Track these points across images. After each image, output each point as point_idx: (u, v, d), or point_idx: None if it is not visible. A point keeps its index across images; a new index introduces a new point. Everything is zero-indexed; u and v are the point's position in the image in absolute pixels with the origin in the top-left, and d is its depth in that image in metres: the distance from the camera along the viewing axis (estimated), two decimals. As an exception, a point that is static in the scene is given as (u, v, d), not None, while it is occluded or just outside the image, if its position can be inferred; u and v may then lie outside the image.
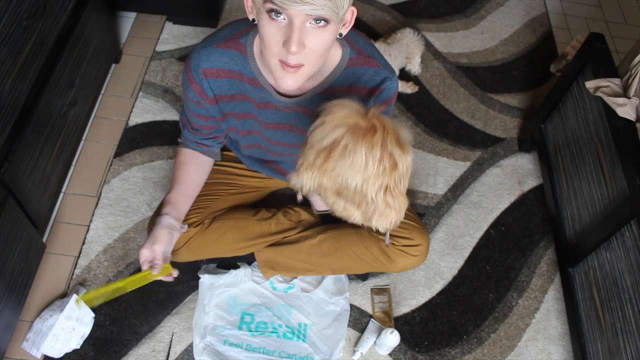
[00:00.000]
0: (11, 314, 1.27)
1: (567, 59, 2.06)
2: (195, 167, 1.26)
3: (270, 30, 0.88)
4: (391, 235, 1.32)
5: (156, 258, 1.13)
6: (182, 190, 1.23)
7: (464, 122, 1.93)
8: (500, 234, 1.68)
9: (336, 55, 1.05)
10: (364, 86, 1.08)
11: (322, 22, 0.86)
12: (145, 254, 1.13)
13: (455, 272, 1.58)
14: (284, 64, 0.91)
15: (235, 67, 1.06)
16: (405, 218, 1.34)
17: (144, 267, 1.13)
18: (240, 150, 1.33)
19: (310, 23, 0.86)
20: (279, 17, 0.86)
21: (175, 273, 1.17)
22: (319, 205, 1.39)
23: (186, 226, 1.24)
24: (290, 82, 0.93)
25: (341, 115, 0.86)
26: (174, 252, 1.31)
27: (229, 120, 1.16)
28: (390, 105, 1.13)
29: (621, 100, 1.34)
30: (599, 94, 1.39)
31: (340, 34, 0.97)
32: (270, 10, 0.85)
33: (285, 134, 1.16)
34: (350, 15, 0.95)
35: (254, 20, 0.93)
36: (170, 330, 1.39)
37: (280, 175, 1.39)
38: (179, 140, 1.28)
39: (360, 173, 0.84)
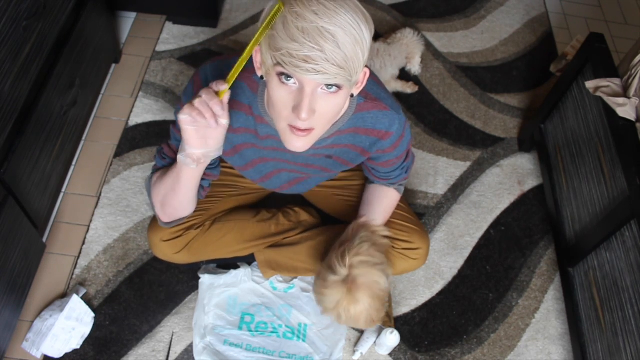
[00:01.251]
0: (11, 314, 1.27)
1: (567, 59, 2.06)
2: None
3: (280, 94, 0.85)
4: (391, 239, 1.31)
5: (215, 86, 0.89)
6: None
7: (464, 122, 1.93)
8: (500, 234, 1.68)
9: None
10: (371, 128, 1.07)
11: (334, 88, 0.84)
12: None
13: (455, 272, 1.58)
14: (293, 128, 0.88)
15: (246, 101, 1.02)
16: (405, 221, 1.35)
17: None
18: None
19: (321, 89, 0.84)
20: (289, 80, 0.83)
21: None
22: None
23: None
24: (300, 144, 0.91)
25: (331, 300, 1.13)
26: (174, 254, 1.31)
27: (233, 154, 1.13)
28: (404, 137, 1.13)
29: (621, 100, 1.34)
30: (599, 94, 1.39)
31: (352, 95, 0.95)
32: (280, 74, 0.83)
33: (282, 154, 1.14)
34: (362, 76, 0.92)
35: (262, 77, 0.90)
36: (170, 330, 1.39)
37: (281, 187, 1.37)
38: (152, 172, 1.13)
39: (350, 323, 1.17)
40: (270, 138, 1.08)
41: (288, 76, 0.82)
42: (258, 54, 0.89)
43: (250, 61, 0.99)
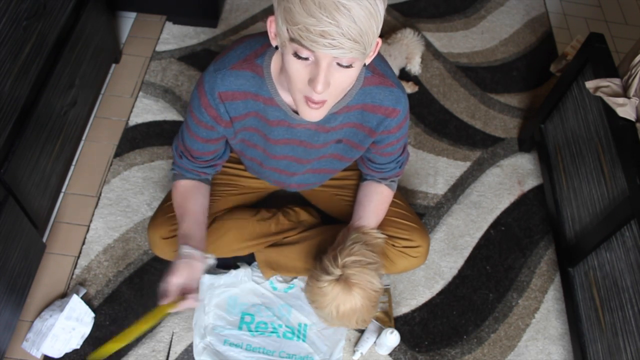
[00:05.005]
0: (11, 314, 1.27)
1: (567, 59, 2.06)
2: (199, 196, 1.22)
3: (296, 67, 0.87)
4: (391, 237, 1.32)
5: (169, 292, 1.08)
6: (193, 219, 1.19)
7: (464, 122, 1.93)
8: (500, 234, 1.68)
9: None
10: (378, 105, 1.08)
11: None
12: (163, 287, 1.09)
13: (455, 272, 1.58)
14: (308, 100, 0.91)
15: (251, 89, 1.04)
16: (405, 219, 1.35)
17: (160, 301, 1.09)
18: (242, 160, 1.32)
19: (337, 62, 0.85)
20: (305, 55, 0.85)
21: (190, 303, 1.10)
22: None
23: (212, 256, 1.17)
24: (315, 114, 0.94)
25: (324, 299, 1.16)
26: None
27: (239, 134, 1.15)
28: (407, 120, 1.15)
29: (621, 100, 1.34)
30: (599, 94, 1.39)
31: (365, 64, 0.96)
32: (296, 50, 0.84)
33: (293, 149, 1.16)
34: (375, 45, 0.93)
35: (277, 47, 0.92)
36: (170, 330, 1.39)
37: (281, 185, 1.38)
38: (172, 172, 1.24)
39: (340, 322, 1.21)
40: (281, 125, 1.09)
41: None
42: (273, 24, 0.90)
43: (253, 46, 1.03)
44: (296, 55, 0.85)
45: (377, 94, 1.07)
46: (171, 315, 1.40)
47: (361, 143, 1.17)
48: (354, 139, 1.15)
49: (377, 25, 0.83)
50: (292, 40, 0.83)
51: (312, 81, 0.86)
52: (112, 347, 1.05)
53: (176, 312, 1.10)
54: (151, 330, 1.34)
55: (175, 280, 1.08)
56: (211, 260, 1.16)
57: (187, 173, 1.22)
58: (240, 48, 1.05)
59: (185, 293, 1.09)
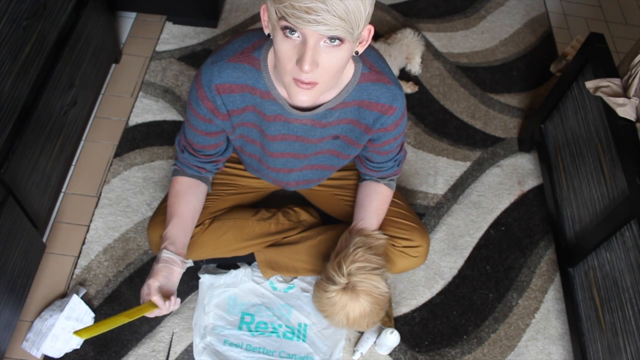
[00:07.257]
0: (11, 314, 1.27)
1: (567, 59, 2.06)
2: (193, 197, 1.22)
3: (285, 48, 0.87)
4: (391, 237, 1.32)
5: (150, 293, 1.08)
6: (179, 223, 1.18)
7: (464, 122, 1.93)
8: (500, 234, 1.68)
9: (349, 70, 1.04)
10: (375, 102, 1.08)
11: (337, 41, 0.85)
12: (143, 290, 1.09)
13: (455, 272, 1.58)
14: (297, 81, 0.90)
15: (248, 82, 1.05)
16: (405, 219, 1.35)
17: (142, 302, 1.09)
18: (242, 158, 1.33)
19: (324, 42, 0.85)
20: (293, 34, 0.85)
21: (163, 308, 1.09)
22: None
23: (190, 261, 1.18)
24: (305, 98, 0.93)
25: (332, 309, 1.19)
26: None
27: (237, 129, 1.15)
28: (404, 117, 1.15)
29: (621, 100, 1.34)
30: (599, 94, 1.39)
31: (357, 52, 0.97)
32: (284, 28, 0.85)
33: (290, 145, 1.16)
34: (367, 33, 0.94)
35: (269, 35, 0.93)
36: (170, 330, 1.39)
37: (279, 183, 1.38)
38: (174, 167, 1.24)
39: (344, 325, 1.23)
40: (277, 120, 1.09)
41: (292, 30, 0.85)
42: (265, 12, 0.91)
43: (250, 39, 1.04)
44: (284, 34, 0.85)
45: (373, 90, 1.07)
46: (171, 315, 1.41)
47: (358, 140, 1.17)
48: (351, 135, 1.15)
49: (365, 7, 0.84)
50: (279, 19, 0.84)
51: (299, 60, 0.86)
52: (92, 331, 1.06)
53: (154, 316, 1.11)
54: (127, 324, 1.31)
55: (154, 283, 1.09)
56: (188, 263, 1.18)
57: (188, 169, 1.22)
58: (238, 41, 1.05)
59: (165, 295, 1.10)
